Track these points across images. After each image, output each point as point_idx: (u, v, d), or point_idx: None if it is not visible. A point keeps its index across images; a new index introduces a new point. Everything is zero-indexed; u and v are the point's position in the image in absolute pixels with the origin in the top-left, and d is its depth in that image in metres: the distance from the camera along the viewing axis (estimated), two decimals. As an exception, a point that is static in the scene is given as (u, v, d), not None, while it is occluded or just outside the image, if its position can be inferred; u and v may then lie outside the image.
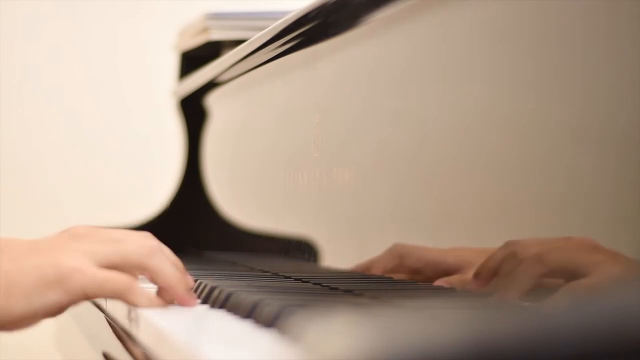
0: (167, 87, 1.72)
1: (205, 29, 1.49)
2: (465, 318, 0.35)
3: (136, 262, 0.76)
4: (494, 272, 0.71)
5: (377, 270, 0.90)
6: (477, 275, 0.73)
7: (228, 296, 0.75)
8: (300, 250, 1.06)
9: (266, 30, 1.15)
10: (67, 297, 0.74)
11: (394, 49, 0.89)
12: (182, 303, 0.77)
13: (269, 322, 0.63)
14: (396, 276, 0.86)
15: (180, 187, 1.61)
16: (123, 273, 0.75)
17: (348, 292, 0.81)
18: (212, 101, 1.52)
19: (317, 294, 0.83)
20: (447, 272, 0.79)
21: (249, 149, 1.33)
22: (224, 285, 0.80)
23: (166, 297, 0.77)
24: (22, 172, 2.15)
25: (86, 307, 1.05)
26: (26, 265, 0.74)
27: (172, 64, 1.69)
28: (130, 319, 0.78)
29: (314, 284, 0.91)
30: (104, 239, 0.78)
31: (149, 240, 0.78)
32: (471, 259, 0.75)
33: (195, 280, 0.86)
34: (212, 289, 0.80)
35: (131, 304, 0.75)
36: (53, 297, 0.74)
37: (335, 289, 0.84)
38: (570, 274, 0.63)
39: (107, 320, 0.91)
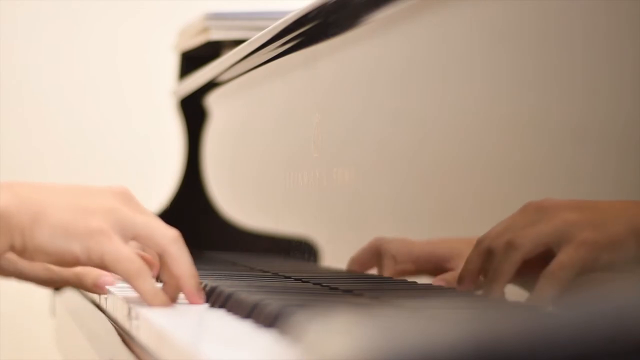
0: (167, 87, 1.72)
1: (205, 29, 1.49)
2: (465, 318, 0.35)
3: (159, 243, 0.77)
4: (477, 273, 0.71)
5: (357, 266, 0.90)
6: (460, 280, 0.73)
7: (228, 296, 0.75)
8: (300, 250, 1.06)
9: (266, 30, 1.15)
10: (85, 254, 0.76)
11: (394, 49, 0.89)
12: (191, 299, 0.77)
13: (269, 322, 0.63)
14: (383, 272, 0.87)
15: (180, 187, 1.60)
16: (141, 258, 0.77)
17: (348, 292, 0.81)
18: (212, 101, 1.52)
19: (317, 294, 0.83)
20: (438, 265, 0.79)
21: (249, 149, 1.33)
22: (224, 285, 0.80)
23: (171, 292, 0.77)
24: (22, 172, 2.15)
25: (86, 307, 1.05)
26: (63, 204, 0.76)
27: (172, 64, 1.69)
28: (130, 318, 0.78)
29: (314, 284, 0.91)
30: (138, 209, 0.79)
31: (174, 229, 0.80)
32: (460, 248, 0.75)
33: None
34: (212, 289, 0.80)
35: (137, 290, 0.76)
36: (74, 246, 0.75)
37: (335, 289, 0.84)
38: (549, 244, 0.64)
39: (107, 320, 0.91)
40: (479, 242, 0.71)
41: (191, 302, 0.77)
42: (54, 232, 0.75)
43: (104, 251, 0.75)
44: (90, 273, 0.89)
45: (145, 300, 0.76)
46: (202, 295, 0.79)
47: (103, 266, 0.77)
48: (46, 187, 0.79)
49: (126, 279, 0.77)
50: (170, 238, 0.78)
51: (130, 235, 0.77)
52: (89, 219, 0.76)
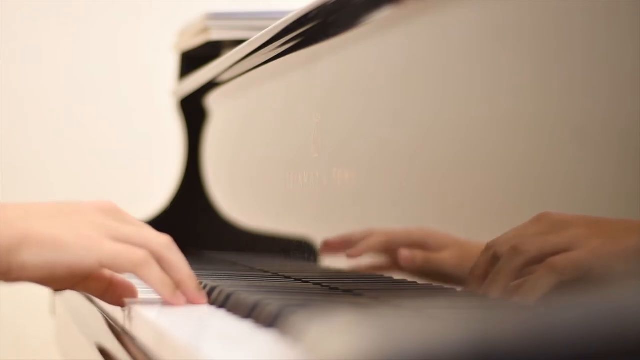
0: (167, 87, 1.72)
1: (205, 29, 1.49)
2: (465, 318, 0.35)
3: (154, 250, 0.76)
4: (484, 278, 0.71)
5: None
6: (468, 283, 0.73)
7: (228, 296, 0.75)
8: (300, 250, 1.06)
9: (266, 30, 1.15)
10: (79, 263, 0.74)
11: (394, 49, 0.89)
12: (192, 300, 0.77)
13: (269, 322, 0.63)
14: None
15: (180, 187, 1.61)
16: (139, 248, 0.76)
17: (348, 292, 0.81)
18: (212, 101, 1.52)
19: (317, 294, 0.83)
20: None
21: (249, 149, 1.33)
22: (224, 285, 0.80)
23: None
24: (22, 172, 2.15)
25: (86, 307, 1.05)
26: (50, 222, 0.75)
27: (172, 64, 1.69)
28: (130, 318, 0.78)
29: (314, 284, 0.91)
30: (126, 220, 0.79)
31: (164, 235, 0.79)
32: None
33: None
34: (212, 289, 0.80)
35: (144, 279, 0.75)
36: (65, 258, 0.74)
37: (335, 289, 0.84)
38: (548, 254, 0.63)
39: (106, 320, 0.91)
40: (489, 247, 0.70)
41: (193, 303, 0.77)
42: (42, 249, 0.74)
43: (99, 253, 0.75)
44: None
45: (154, 289, 0.76)
46: (204, 295, 0.79)
47: (102, 269, 0.76)
48: (31, 208, 0.78)
49: (131, 271, 0.76)
50: (163, 244, 0.77)
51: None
52: (78, 231, 0.75)
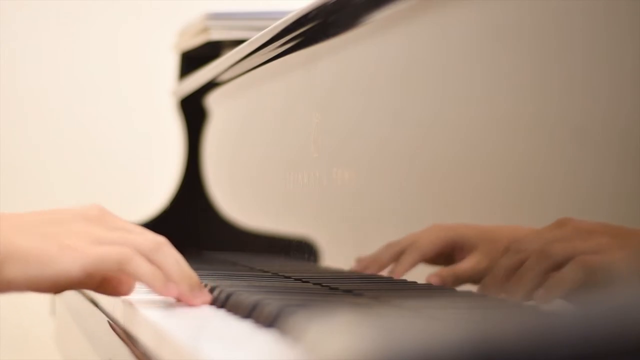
0: (167, 87, 1.72)
1: (205, 29, 1.49)
2: (465, 318, 0.35)
3: (140, 251, 0.75)
4: (506, 278, 0.70)
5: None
6: (486, 286, 0.71)
7: (228, 296, 0.75)
8: (300, 250, 1.06)
9: (266, 30, 1.15)
10: (65, 275, 0.73)
11: (394, 49, 0.89)
12: (186, 301, 0.76)
13: (269, 322, 0.63)
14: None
15: (180, 187, 1.60)
16: (122, 245, 0.74)
17: (348, 292, 0.81)
18: (212, 101, 1.52)
19: (317, 294, 0.83)
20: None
21: (249, 149, 1.33)
22: (224, 285, 0.80)
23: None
24: (22, 172, 2.15)
25: (86, 306, 1.05)
26: (32, 236, 0.74)
27: (172, 64, 1.69)
28: (130, 318, 0.78)
29: (314, 284, 0.91)
30: (112, 226, 0.77)
31: (156, 235, 0.78)
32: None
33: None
34: (212, 289, 0.80)
35: (133, 275, 0.74)
36: (49, 272, 0.73)
37: (335, 289, 0.84)
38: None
39: (106, 320, 0.91)
40: (512, 249, 0.69)
41: (188, 304, 0.76)
42: (26, 265, 0.73)
43: (82, 262, 0.73)
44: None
45: (144, 283, 0.75)
46: (204, 294, 0.77)
47: (90, 275, 0.75)
48: (12, 220, 0.76)
49: (117, 269, 0.74)
50: (150, 247, 0.76)
51: None
52: (61, 242, 0.74)
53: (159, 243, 0.77)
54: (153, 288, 0.75)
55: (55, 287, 0.75)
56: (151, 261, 0.75)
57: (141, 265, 0.74)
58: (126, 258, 0.74)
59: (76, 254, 0.73)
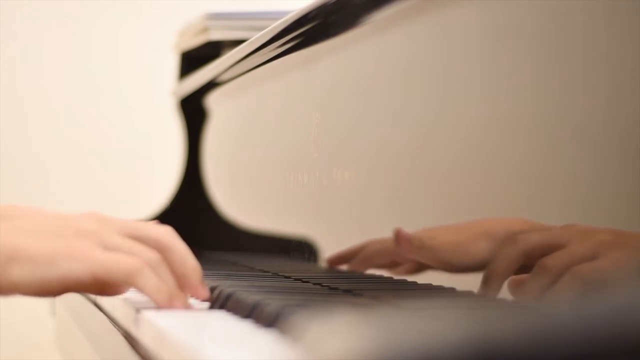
0: (167, 87, 1.72)
1: (205, 29, 1.49)
2: (465, 318, 0.35)
3: (156, 240, 0.75)
4: (507, 277, 0.69)
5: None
6: (488, 282, 0.71)
7: (228, 296, 0.75)
8: (300, 250, 1.06)
9: (266, 30, 1.15)
10: (73, 277, 0.73)
11: (394, 49, 0.89)
12: (195, 294, 0.76)
13: (269, 322, 0.63)
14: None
15: (180, 187, 1.60)
16: (133, 256, 0.74)
17: (348, 292, 0.81)
18: (212, 101, 1.52)
19: (317, 294, 0.83)
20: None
21: (249, 149, 1.33)
22: (224, 285, 0.80)
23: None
24: (22, 172, 2.15)
25: (86, 307, 1.05)
26: (38, 237, 0.73)
27: (172, 64, 1.69)
28: (129, 318, 0.78)
29: (314, 284, 0.91)
30: (120, 230, 0.77)
31: (162, 226, 0.78)
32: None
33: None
34: (212, 289, 0.80)
35: (139, 288, 0.74)
36: (58, 273, 0.72)
37: (335, 289, 0.84)
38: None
39: (107, 320, 0.91)
40: (518, 248, 0.68)
41: (195, 297, 0.76)
42: (33, 265, 0.72)
43: (91, 266, 0.73)
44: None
45: (150, 297, 0.74)
46: (207, 289, 0.78)
47: (96, 281, 0.75)
48: (18, 222, 0.75)
49: (125, 281, 0.74)
50: (166, 234, 0.76)
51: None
52: (68, 243, 0.73)
53: (173, 232, 0.77)
54: (157, 303, 0.74)
55: (62, 289, 0.74)
56: (167, 247, 0.76)
57: (149, 281, 0.73)
58: (135, 271, 0.73)
59: (85, 256, 0.73)
